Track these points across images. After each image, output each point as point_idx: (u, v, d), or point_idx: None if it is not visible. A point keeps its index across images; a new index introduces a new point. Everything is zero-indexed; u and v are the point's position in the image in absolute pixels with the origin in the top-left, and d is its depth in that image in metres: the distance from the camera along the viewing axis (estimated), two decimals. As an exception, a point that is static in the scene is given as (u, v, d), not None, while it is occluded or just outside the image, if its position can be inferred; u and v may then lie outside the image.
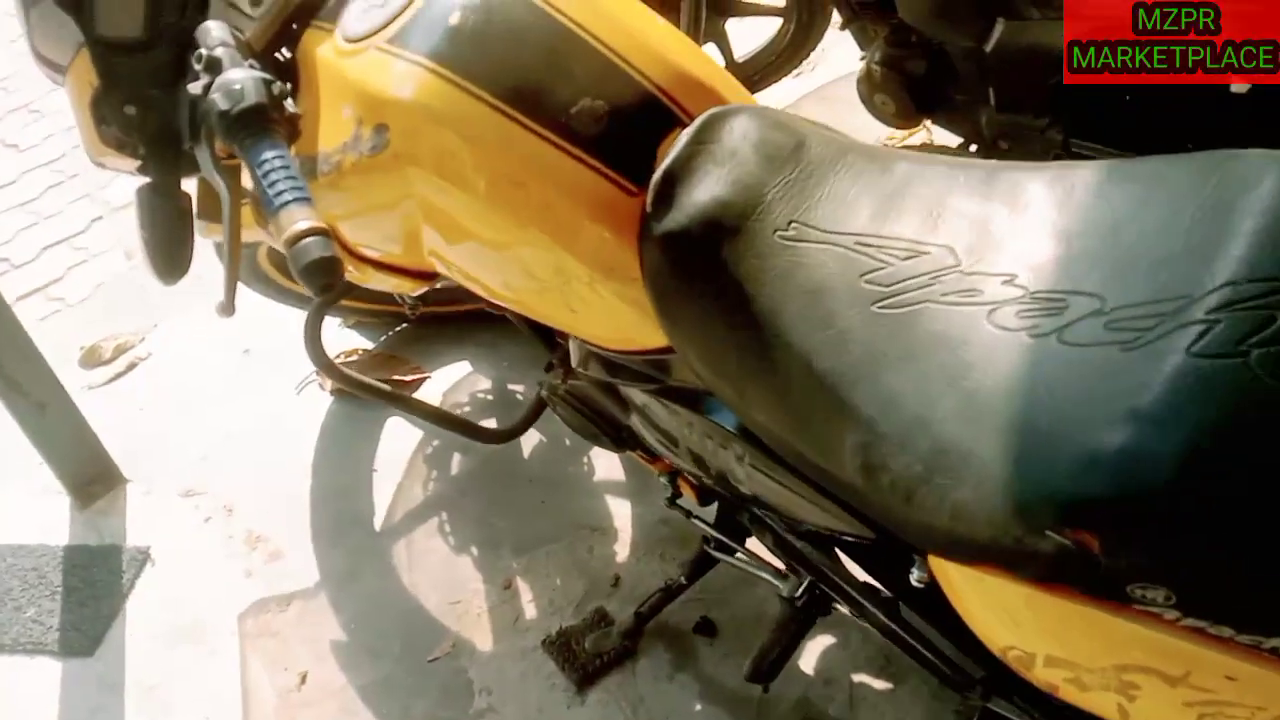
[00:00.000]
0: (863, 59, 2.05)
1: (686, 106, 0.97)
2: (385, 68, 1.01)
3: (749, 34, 2.74)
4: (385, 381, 1.96)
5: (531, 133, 0.95)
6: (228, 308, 1.08)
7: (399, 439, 2.07)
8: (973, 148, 1.99)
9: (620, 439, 1.38)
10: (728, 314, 0.88)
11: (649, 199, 0.93)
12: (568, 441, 1.97)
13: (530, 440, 2.00)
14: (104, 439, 2.10)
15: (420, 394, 2.15)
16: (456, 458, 2.01)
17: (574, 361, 1.28)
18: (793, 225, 0.87)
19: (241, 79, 0.96)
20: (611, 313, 1.01)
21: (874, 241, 0.84)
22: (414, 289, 1.22)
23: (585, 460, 1.94)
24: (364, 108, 1.02)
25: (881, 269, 0.82)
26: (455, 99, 0.97)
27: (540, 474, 1.95)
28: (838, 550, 1.17)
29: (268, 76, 0.98)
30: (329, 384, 2.20)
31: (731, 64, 2.72)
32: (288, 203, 0.90)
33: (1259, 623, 0.60)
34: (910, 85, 1.94)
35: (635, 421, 1.26)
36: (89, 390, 2.34)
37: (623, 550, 1.77)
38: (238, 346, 2.36)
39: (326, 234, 0.88)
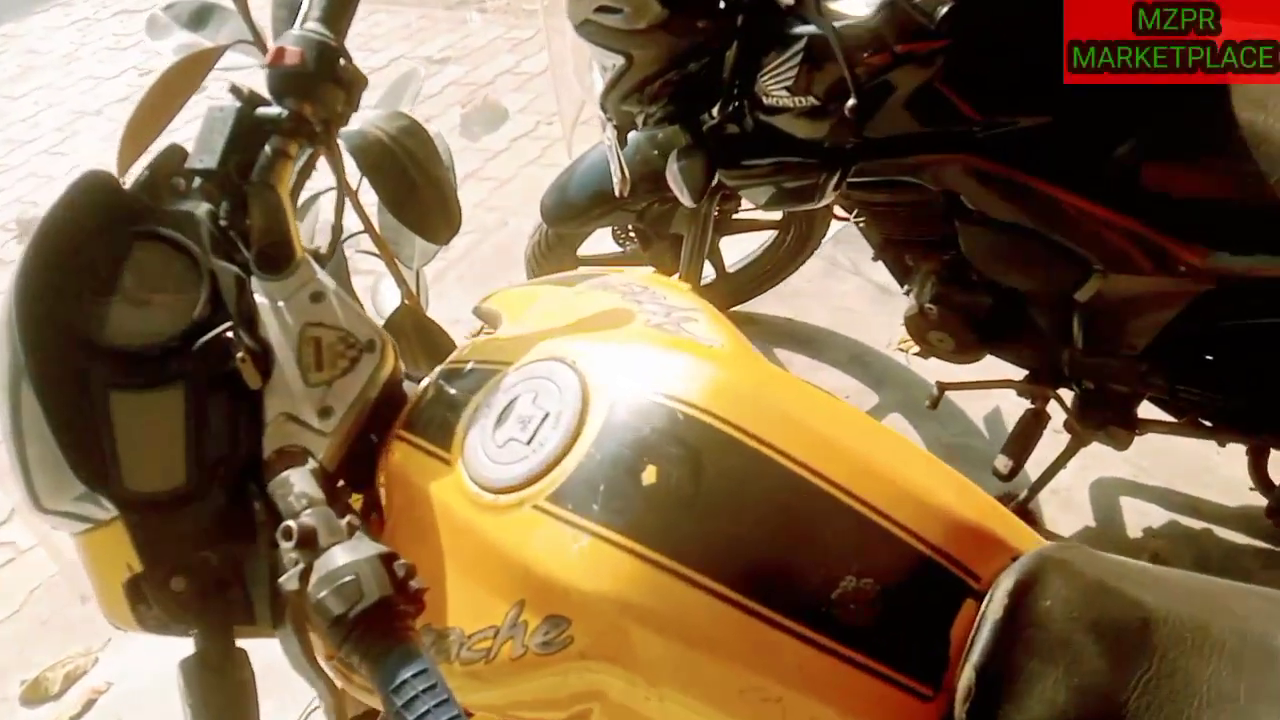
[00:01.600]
0: (907, 292, 1.89)
1: (972, 567, 0.74)
2: (554, 539, 0.75)
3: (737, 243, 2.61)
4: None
5: (782, 630, 0.71)
6: None
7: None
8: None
9: None
10: None
11: (959, 711, 0.69)
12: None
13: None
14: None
15: None
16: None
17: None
18: (1176, 753, 0.66)
19: (354, 564, 0.69)
20: None
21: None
22: None
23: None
24: (528, 590, 0.76)
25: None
26: (668, 590, 0.72)
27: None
28: None
29: (383, 548, 0.72)
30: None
31: (723, 275, 2.58)
32: None
33: None
34: (971, 321, 1.78)
35: None
36: (39, 743, 1.98)
37: None
38: (216, 668, 2.02)
39: None
